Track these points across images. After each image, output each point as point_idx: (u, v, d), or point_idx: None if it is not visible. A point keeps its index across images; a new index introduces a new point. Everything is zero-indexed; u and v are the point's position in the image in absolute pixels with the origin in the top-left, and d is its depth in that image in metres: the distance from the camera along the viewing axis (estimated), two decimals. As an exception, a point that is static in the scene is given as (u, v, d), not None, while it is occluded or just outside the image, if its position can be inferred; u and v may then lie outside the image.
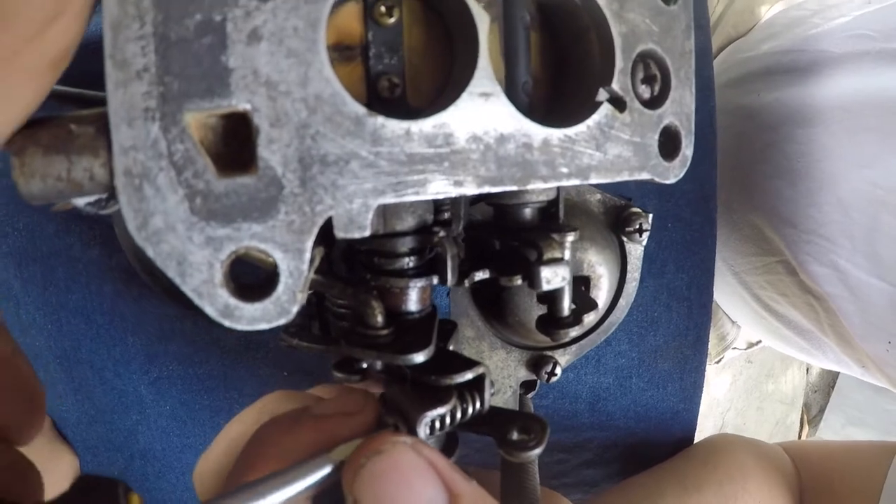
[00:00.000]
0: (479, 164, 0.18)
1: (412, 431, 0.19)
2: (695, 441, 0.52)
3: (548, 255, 0.21)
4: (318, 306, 0.26)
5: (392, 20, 0.19)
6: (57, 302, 0.43)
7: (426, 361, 0.20)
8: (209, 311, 0.17)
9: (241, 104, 0.16)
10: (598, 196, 0.32)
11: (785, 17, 0.66)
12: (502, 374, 0.31)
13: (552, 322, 0.23)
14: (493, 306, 0.29)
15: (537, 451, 0.22)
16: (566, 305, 0.23)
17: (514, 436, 0.22)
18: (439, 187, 0.18)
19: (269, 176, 0.16)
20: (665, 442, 0.50)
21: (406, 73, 0.20)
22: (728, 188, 0.61)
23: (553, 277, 0.21)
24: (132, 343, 0.42)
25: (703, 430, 1.41)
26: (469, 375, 0.20)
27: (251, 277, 0.18)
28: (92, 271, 0.41)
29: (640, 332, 0.46)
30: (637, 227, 0.31)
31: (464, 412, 0.21)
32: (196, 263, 0.17)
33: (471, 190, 0.18)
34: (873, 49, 0.48)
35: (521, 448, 0.22)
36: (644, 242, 0.32)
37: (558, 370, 0.31)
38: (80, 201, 0.22)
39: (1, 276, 0.44)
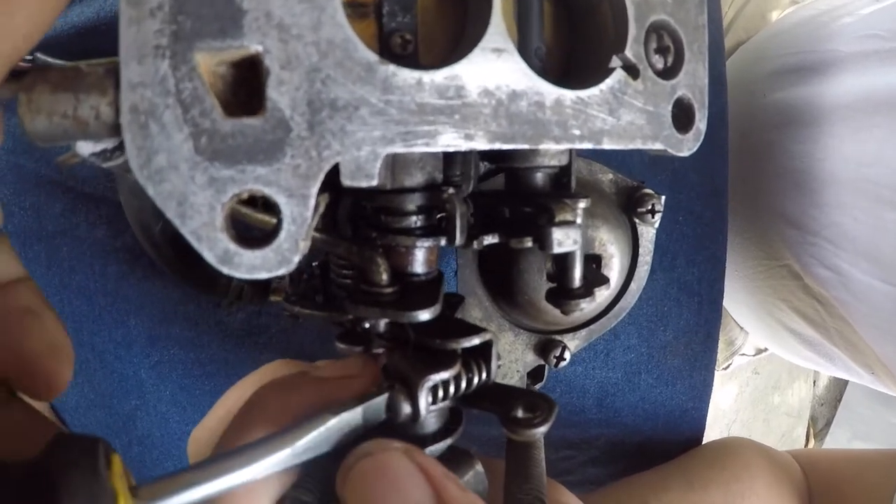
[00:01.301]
0: (490, 118, 0.18)
1: (413, 396, 0.19)
2: (703, 442, 0.51)
3: (560, 217, 0.20)
4: (322, 278, 0.26)
5: (406, -23, 0.19)
6: (60, 282, 0.43)
7: (431, 324, 0.19)
8: (207, 255, 0.17)
9: (252, 45, 0.16)
10: (611, 176, 0.32)
11: (794, 18, 0.66)
12: (510, 357, 0.31)
13: (563, 293, 0.23)
14: (502, 285, 0.29)
15: (543, 428, 0.21)
16: (577, 276, 0.22)
17: (520, 413, 0.22)
18: (450, 139, 0.18)
19: (276, 118, 0.16)
20: (673, 441, 0.50)
21: (419, 31, 0.20)
22: (732, 189, 0.61)
23: (565, 239, 0.20)
24: (134, 325, 0.42)
25: (708, 440, 1.39)
26: (476, 340, 0.20)
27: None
28: (97, 252, 0.42)
29: (649, 327, 0.45)
30: (650, 207, 0.31)
31: (468, 381, 0.20)
32: (197, 205, 0.16)
33: (482, 144, 0.18)
34: (882, 48, 0.47)
35: (526, 425, 0.21)
36: (657, 224, 0.32)
37: (567, 355, 0.31)
38: (85, 149, 0.22)
39: (6, 256, 0.44)
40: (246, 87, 0.17)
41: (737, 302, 0.73)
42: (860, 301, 0.51)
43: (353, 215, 0.22)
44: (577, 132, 0.20)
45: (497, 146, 0.18)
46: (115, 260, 0.41)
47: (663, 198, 0.32)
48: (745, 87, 0.62)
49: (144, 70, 0.16)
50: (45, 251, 0.43)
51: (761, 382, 1.44)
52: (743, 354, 0.82)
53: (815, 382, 1.56)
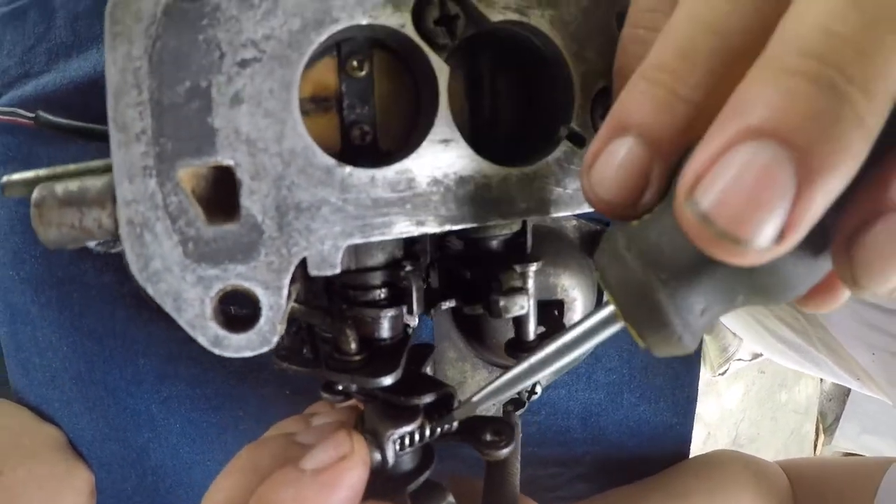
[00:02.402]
0: (439, 204, 0.21)
1: (381, 447, 0.22)
2: (690, 456, 0.54)
3: (507, 286, 0.24)
4: (308, 332, 0.29)
5: (363, 73, 0.22)
6: (72, 325, 0.47)
7: (396, 383, 0.23)
8: (201, 340, 0.20)
9: (225, 160, 0.19)
10: (574, 222, 0.35)
11: None
12: (486, 391, 0.34)
13: (517, 345, 0.26)
14: (473, 329, 0.32)
15: (508, 448, 0.25)
16: (531, 330, 0.26)
17: (488, 437, 0.26)
18: (403, 228, 0.21)
19: (250, 223, 0.20)
20: (659, 456, 0.52)
21: (377, 119, 0.23)
22: None
23: (512, 306, 0.24)
24: (143, 364, 0.46)
25: (717, 440, 1.42)
26: (433, 396, 0.23)
27: (240, 306, 0.22)
28: (105, 296, 0.45)
29: (629, 349, 0.48)
30: None
31: (433, 430, 0.24)
32: (189, 300, 0.20)
33: (432, 229, 0.21)
34: None
35: (495, 447, 0.25)
36: None
37: (538, 388, 0.34)
38: (91, 242, 0.26)
39: (19, 301, 0.48)
40: (223, 192, 0.20)
41: None
42: (833, 311, 0.53)
43: (327, 288, 0.25)
44: (523, 206, 0.23)
45: (447, 228, 0.21)
46: (123, 304, 0.45)
47: None
48: None
49: (136, 188, 0.19)
50: (56, 296, 0.47)
51: (767, 381, 1.46)
52: (739, 360, 0.84)
53: (821, 379, 1.57)
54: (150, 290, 0.20)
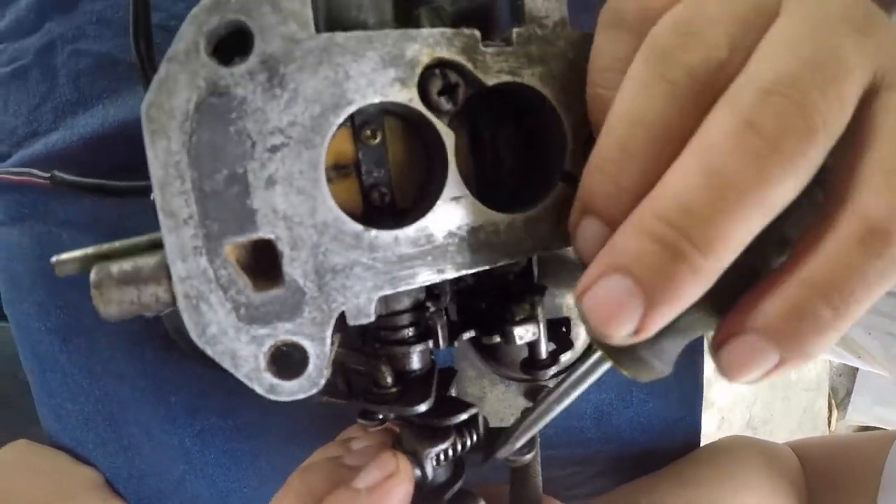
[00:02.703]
0: (455, 253, 0.24)
1: (421, 465, 0.26)
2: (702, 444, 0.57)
3: (519, 317, 0.27)
4: (341, 366, 0.33)
5: (376, 140, 0.25)
6: (102, 370, 0.50)
7: (427, 409, 0.26)
8: (258, 389, 0.23)
9: (266, 235, 0.22)
10: (573, 243, 0.38)
11: None
12: (503, 404, 0.37)
13: (532, 364, 0.29)
14: (490, 351, 0.35)
15: (531, 455, 0.29)
16: (543, 350, 0.29)
17: None
18: (425, 277, 0.24)
19: (293, 287, 0.23)
20: (671, 448, 0.56)
21: (393, 181, 0.26)
22: None
23: (525, 334, 0.27)
24: (175, 402, 0.49)
25: (731, 424, 1.46)
26: (464, 416, 0.27)
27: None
28: (133, 341, 0.48)
29: None
30: None
31: (463, 444, 0.27)
32: (244, 357, 0.23)
33: (451, 275, 0.24)
34: None
35: (519, 454, 0.29)
36: None
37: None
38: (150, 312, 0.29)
39: (47, 350, 0.51)
40: (266, 261, 0.23)
41: None
42: None
43: (362, 331, 0.28)
44: (529, 245, 0.26)
45: (463, 272, 0.24)
46: (152, 346, 0.48)
47: None
48: None
49: (189, 266, 0.22)
50: (84, 344, 0.50)
51: None
52: None
53: None
54: (210, 352, 0.23)
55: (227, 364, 0.23)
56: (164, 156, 0.22)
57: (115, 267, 0.24)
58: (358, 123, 0.25)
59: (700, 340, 0.54)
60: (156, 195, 0.23)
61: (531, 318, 0.27)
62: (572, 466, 0.53)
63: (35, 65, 0.52)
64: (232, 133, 0.22)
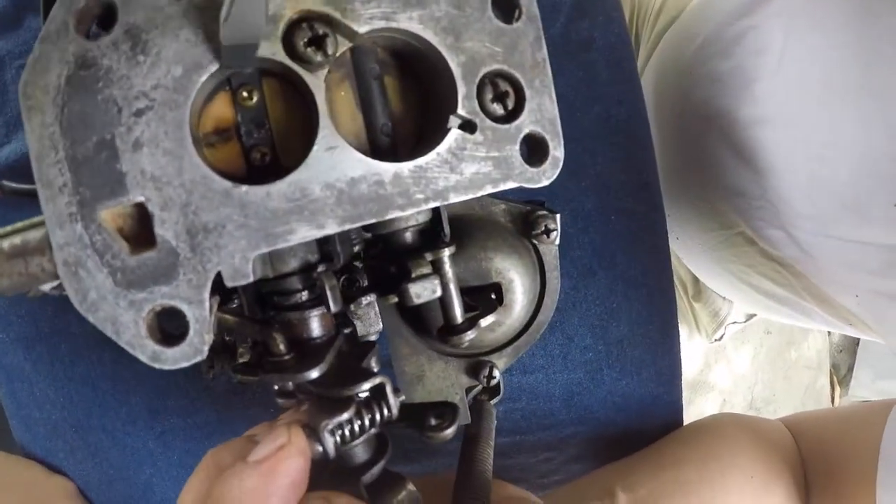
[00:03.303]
0: (335, 206, 0.25)
1: (319, 439, 0.26)
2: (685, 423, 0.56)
3: (416, 273, 0.27)
4: (253, 343, 0.33)
5: (254, 101, 0.26)
6: (65, 375, 0.51)
7: (330, 376, 0.26)
8: (141, 357, 0.24)
9: (136, 198, 0.23)
10: (503, 206, 0.37)
11: None
12: (445, 382, 0.37)
13: (446, 329, 0.29)
14: (419, 323, 0.35)
15: (451, 429, 0.28)
16: (457, 314, 0.29)
17: (432, 421, 0.29)
18: (304, 233, 0.24)
19: (166, 248, 0.23)
20: (650, 427, 0.55)
21: (276, 140, 0.27)
22: (679, 169, 0.66)
23: (423, 291, 0.27)
24: (135, 402, 0.50)
25: (733, 406, 1.45)
26: (365, 385, 0.27)
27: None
28: (91, 344, 0.50)
29: (601, 325, 0.51)
30: (542, 228, 0.37)
31: (371, 419, 0.27)
32: (125, 323, 0.24)
33: (333, 229, 0.25)
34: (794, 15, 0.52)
35: (439, 429, 0.29)
36: (556, 241, 0.38)
37: (496, 373, 0.37)
38: (45, 287, 0.30)
39: (12, 360, 0.52)
40: (143, 225, 0.24)
41: (710, 274, 0.78)
42: (810, 257, 0.56)
43: (259, 299, 0.29)
44: (420, 196, 0.26)
45: (347, 227, 0.25)
46: (108, 348, 0.49)
47: (558, 216, 0.38)
48: (677, 66, 0.67)
49: (66, 233, 0.23)
50: (45, 350, 0.51)
51: (775, 341, 1.49)
52: (734, 322, 0.86)
53: (829, 332, 1.59)
54: (91, 319, 0.24)
55: (109, 331, 0.24)
56: (39, 129, 0.23)
57: (6, 242, 0.25)
58: (234, 86, 0.26)
59: (670, 314, 0.53)
60: (33, 167, 0.24)
61: (430, 275, 0.27)
62: (544, 452, 0.53)
63: (-15, 81, 0.54)
64: (99, 101, 0.23)
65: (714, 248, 0.71)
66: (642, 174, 0.51)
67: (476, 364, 0.37)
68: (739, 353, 1.45)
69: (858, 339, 1.61)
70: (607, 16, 0.53)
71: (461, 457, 0.34)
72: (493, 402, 0.40)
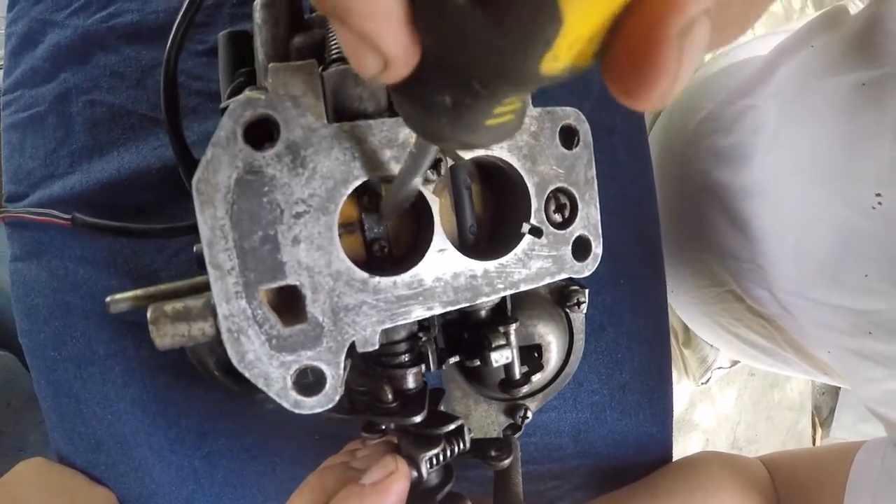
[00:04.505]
0: (441, 293, 0.33)
1: (417, 467, 0.34)
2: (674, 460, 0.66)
3: (495, 344, 0.35)
4: (347, 390, 0.41)
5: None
6: (115, 396, 0.57)
7: (422, 420, 0.34)
8: (285, 404, 0.31)
9: (292, 281, 0.31)
10: (545, 279, 0.47)
11: (714, 67, 0.81)
12: (486, 421, 0.46)
13: (508, 384, 0.38)
14: (474, 375, 0.44)
15: (508, 460, 0.37)
16: (517, 372, 0.37)
17: (493, 453, 0.37)
18: (418, 313, 0.32)
19: (314, 322, 0.31)
20: (644, 462, 0.64)
21: (390, 236, 0.34)
22: (678, 229, 0.76)
23: (500, 358, 0.35)
24: (185, 425, 0.56)
25: (716, 446, 1.55)
26: (452, 426, 0.35)
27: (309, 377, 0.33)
28: (145, 369, 0.56)
29: (607, 373, 0.60)
30: (575, 301, 0.46)
31: (451, 451, 0.36)
32: (275, 378, 0.31)
33: (438, 311, 0.32)
34: (789, 99, 0.62)
35: (498, 460, 0.37)
36: (584, 311, 0.47)
37: (529, 413, 0.46)
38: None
39: (62, 378, 0.58)
40: (292, 302, 0.32)
41: (700, 325, 0.88)
42: (791, 315, 0.65)
43: (365, 357, 0.36)
44: (501, 286, 0.34)
45: (448, 309, 0.33)
46: (163, 374, 0.56)
47: (587, 291, 0.47)
48: (681, 136, 0.77)
49: (231, 307, 0.30)
50: (98, 372, 0.57)
51: (759, 382, 1.60)
52: (720, 367, 0.97)
53: None
54: (248, 375, 0.31)
55: (261, 384, 0.31)
56: (212, 221, 0.30)
57: (169, 307, 0.32)
58: (360, 192, 0.34)
59: (665, 365, 0.63)
60: (205, 251, 0.31)
61: (505, 345, 0.36)
62: (553, 480, 0.62)
63: (51, 112, 0.60)
64: (265, 203, 0.30)
65: (705, 303, 0.80)
66: (649, 244, 0.60)
67: (513, 406, 0.46)
68: (724, 394, 1.56)
69: (840, 383, 1.73)
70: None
71: (497, 482, 0.43)
72: (515, 436, 0.49)
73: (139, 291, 0.36)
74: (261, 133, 0.31)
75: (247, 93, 0.31)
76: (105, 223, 0.54)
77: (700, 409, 1.51)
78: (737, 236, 0.67)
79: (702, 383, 0.99)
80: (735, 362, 0.99)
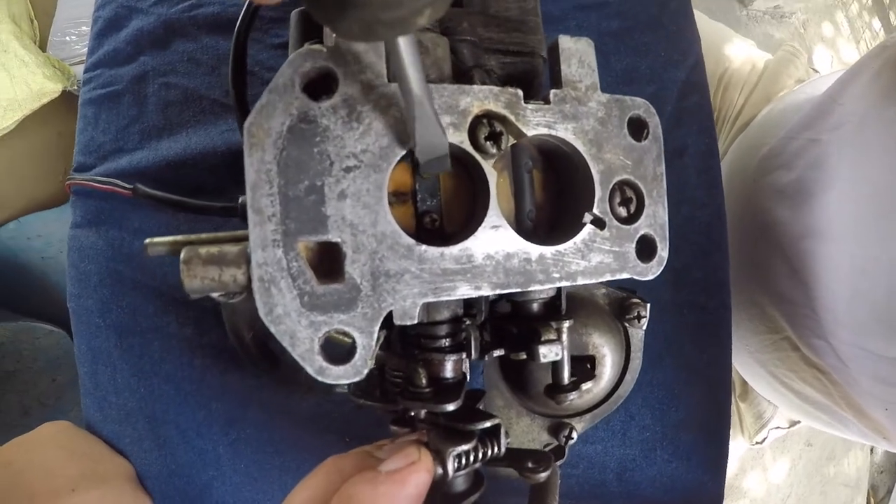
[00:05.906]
0: (492, 274, 0.30)
1: (443, 462, 0.30)
2: None
3: (545, 337, 0.32)
4: (380, 377, 0.38)
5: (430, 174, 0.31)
6: (151, 370, 0.56)
7: (456, 412, 0.31)
8: (309, 369, 0.29)
9: (334, 238, 0.28)
10: (604, 290, 0.43)
11: (780, 104, 0.77)
12: (527, 437, 0.42)
13: (554, 388, 0.34)
14: (518, 381, 0.40)
15: (545, 473, 0.33)
16: (566, 375, 0.34)
17: (529, 465, 0.33)
18: (464, 291, 0.29)
19: (351, 284, 0.28)
20: None
21: (443, 209, 0.32)
22: (734, 270, 0.71)
23: (549, 353, 0.32)
24: (215, 408, 0.54)
25: None
26: (487, 424, 0.31)
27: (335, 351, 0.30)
28: (185, 346, 0.54)
29: (662, 408, 0.55)
30: (635, 314, 0.42)
31: (484, 453, 0.32)
32: (302, 338, 0.28)
33: (486, 292, 0.29)
34: (848, 133, 0.57)
35: (535, 472, 0.33)
36: (644, 327, 0.43)
37: (574, 434, 0.41)
38: (215, 294, 0.35)
39: (103, 345, 0.57)
40: (329, 260, 0.29)
41: (754, 375, 0.82)
42: (846, 367, 0.59)
43: (402, 338, 0.33)
44: (556, 275, 0.31)
45: (498, 292, 0.30)
46: (201, 354, 0.54)
47: (648, 305, 0.43)
48: (744, 173, 0.73)
49: (266, 255, 0.28)
50: (138, 344, 0.56)
51: (815, 454, 1.49)
52: (777, 427, 0.89)
53: (872, 450, 1.59)
54: (273, 330, 0.28)
55: (286, 342, 0.28)
56: (258, 164, 0.28)
57: (204, 249, 0.30)
58: (415, 159, 0.31)
59: (725, 405, 0.57)
60: (247, 194, 0.29)
61: (556, 340, 0.32)
62: (590, 519, 0.56)
63: (127, 91, 0.61)
64: (315, 153, 0.28)
65: (761, 351, 0.74)
66: (717, 273, 0.56)
67: (558, 425, 0.42)
68: (777, 462, 1.46)
69: (900, 462, 1.61)
70: (700, 125, 0.59)
71: (531, 492, 0.38)
72: (558, 463, 0.45)
73: (179, 237, 0.34)
74: (319, 87, 0.29)
75: (308, 45, 0.29)
76: (164, 195, 0.54)
77: (750, 476, 1.41)
78: (793, 280, 0.62)
79: (756, 442, 0.91)
80: (794, 423, 0.92)
